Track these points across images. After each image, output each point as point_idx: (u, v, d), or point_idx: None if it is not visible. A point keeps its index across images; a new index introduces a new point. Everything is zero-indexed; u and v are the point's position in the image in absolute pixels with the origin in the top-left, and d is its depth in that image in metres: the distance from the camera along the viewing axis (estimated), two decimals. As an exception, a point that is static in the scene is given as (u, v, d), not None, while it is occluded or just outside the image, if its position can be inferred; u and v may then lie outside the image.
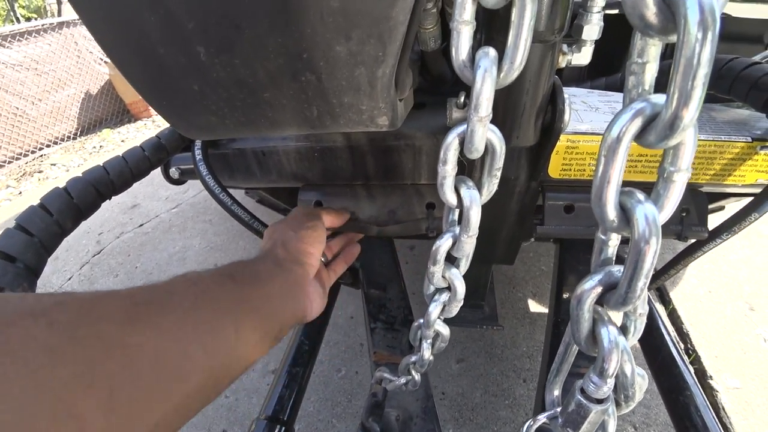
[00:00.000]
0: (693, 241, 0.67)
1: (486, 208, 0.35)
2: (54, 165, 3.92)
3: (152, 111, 4.85)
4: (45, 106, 4.33)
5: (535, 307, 1.39)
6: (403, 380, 0.58)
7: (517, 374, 1.18)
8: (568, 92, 0.65)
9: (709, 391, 1.07)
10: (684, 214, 0.61)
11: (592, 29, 0.40)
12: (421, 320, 0.44)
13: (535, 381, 1.16)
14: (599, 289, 0.25)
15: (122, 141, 4.26)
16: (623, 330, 0.26)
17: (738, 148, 0.53)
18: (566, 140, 0.54)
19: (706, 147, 0.53)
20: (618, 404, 0.28)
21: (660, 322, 0.76)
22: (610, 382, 0.25)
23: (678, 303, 1.33)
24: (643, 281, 0.22)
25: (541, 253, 1.61)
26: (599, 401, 0.26)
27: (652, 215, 0.21)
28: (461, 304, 0.39)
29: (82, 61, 4.67)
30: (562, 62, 0.44)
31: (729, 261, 1.56)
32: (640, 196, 0.22)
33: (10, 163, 3.97)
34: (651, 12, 0.18)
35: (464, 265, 0.37)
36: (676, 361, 0.70)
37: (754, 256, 1.61)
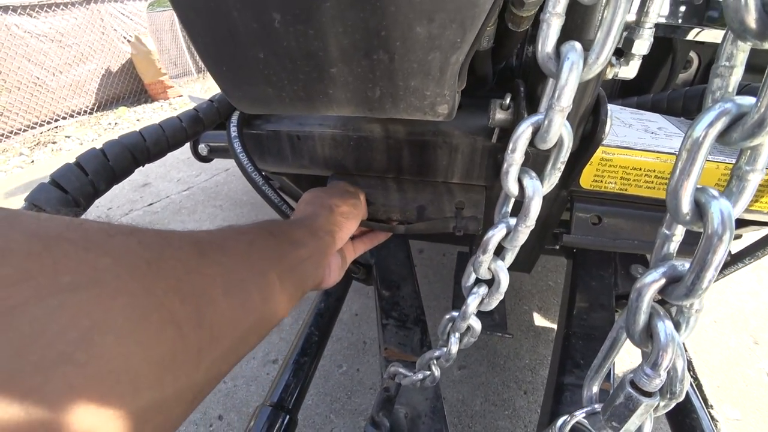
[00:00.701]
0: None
1: None
2: (68, 137, 3.95)
3: (169, 94, 4.90)
4: (65, 79, 4.37)
5: (540, 320, 1.39)
6: (420, 376, 0.59)
7: (518, 386, 1.18)
8: (613, 108, 0.66)
9: (712, 421, 1.07)
10: None
11: (643, 44, 0.41)
12: (455, 313, 0.45)
13: (536, 394, 1.16)
14: (662, 282, 0.25)
15: (138, 120, 4.29)
16: (676, 326, 0.27)
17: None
18: (602, 152, 0.55)
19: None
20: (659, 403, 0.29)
21: None
22: (663, 375, 0.26)
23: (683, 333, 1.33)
24: (712, 274, 0.22)
25: (550, 268, 1.61)
26: (649, 395, 0.26)
27: (727, 211, 0.22)
28: (502, 297, 0.40)
29: (106, 38, 4.71)
30: (609, 74, 0.45)
31: (736, 293, 1.56)
32: (715, 192, 0.23)
33: (25, 131, 4.00)
34: (752, 17, 0.19)
35: (510, 257, 0.37)
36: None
37: (762, 290, 1.61)
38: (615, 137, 0.56)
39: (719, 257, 0.22)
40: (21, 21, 3.98)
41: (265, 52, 0.36)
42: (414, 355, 0.77)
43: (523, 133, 0.31)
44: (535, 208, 0.32)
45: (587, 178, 0.56)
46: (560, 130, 0.30)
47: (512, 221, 0.35)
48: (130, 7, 5.00)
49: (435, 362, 0.54)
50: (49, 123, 4.21)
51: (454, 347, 0.48)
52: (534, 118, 0.30)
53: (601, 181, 0.56)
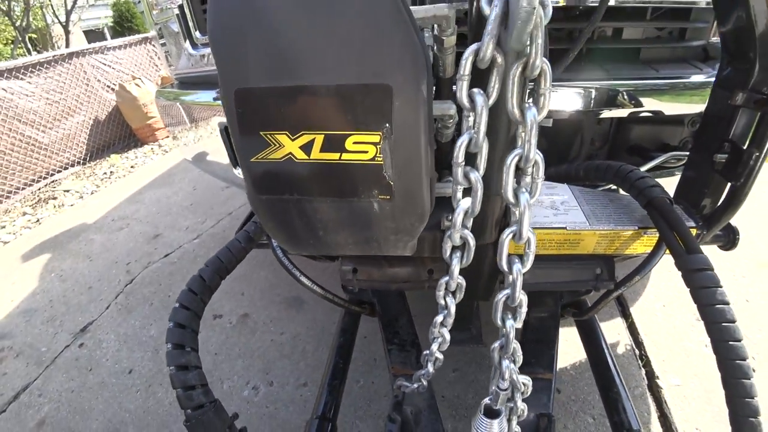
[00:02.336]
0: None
1: (470, 266, 0.61)
2: (67, 191, 4.13)
3: (158, 135, 5.09)
4: (55, 134, 4.55)
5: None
6: (415, 386, 0.84)
7: (505, 379, 1.45)
8: None
9: (656, 389, 1.34)
10: (598, 273, 0.87)
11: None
12: (427, 351, 0.70)
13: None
14: None
15: (132, 167, 4.48)
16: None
17: (630, 233, 0.79)
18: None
19: (613, 234, 0.80)
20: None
21: (602, 340, 1.03)
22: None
23: (636, 316, 1.60)
24: None
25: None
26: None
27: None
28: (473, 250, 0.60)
29: (91, 89, 4.90)
30: None
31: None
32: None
33: (23, 189, 4.17)
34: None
35: (478, 203, 0.53)
36: (610, 368, 0.96)
37: (705, 272, 1.89)
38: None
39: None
40: (9, 84, 4.16)
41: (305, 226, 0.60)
42: (413, 369, 1.03)
43: (469, 56, 0.43)
44: (485, 118, 0.47)
45: (511, 247, 0.82)
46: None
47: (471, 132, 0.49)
48: (111, 56, 5.19)
49: (422, 377, 0.80)
50: (45, 178, 4.39)
51: (431, 367, 0.73)
52: (475, 47, 0.45)
53: (521, 248, 0.82)
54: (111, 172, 4.45)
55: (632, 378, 1.37)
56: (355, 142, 0.47)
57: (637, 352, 1.47)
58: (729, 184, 0.79)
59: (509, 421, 0.69)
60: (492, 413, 0.66)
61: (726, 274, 1.89)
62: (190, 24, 1.40)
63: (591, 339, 1.06)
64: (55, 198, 4.05)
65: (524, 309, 0.60)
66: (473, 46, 0.43)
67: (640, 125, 1.14)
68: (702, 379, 1.38)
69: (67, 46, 7.96)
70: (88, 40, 11.50)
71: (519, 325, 0.60)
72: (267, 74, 0.45)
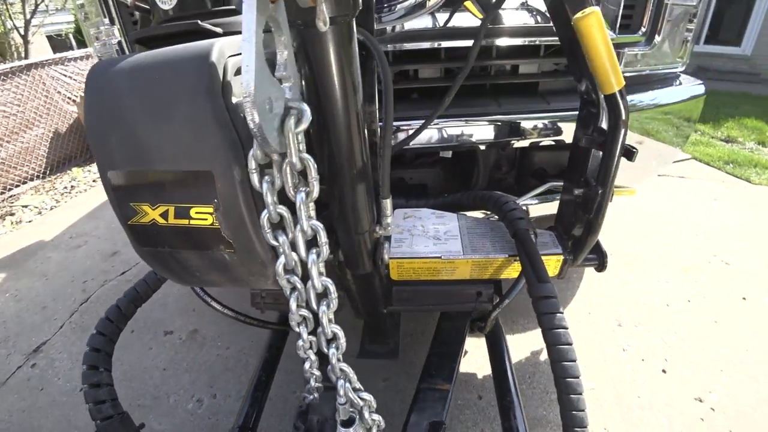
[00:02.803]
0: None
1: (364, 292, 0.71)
2: (26, 207, 4.06)
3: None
4: (13, 147, 4.46)
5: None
6: (311, 397, 0.92)
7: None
8: (418, 214, 1.01)
9: (572, 393, 1.45)
10: (479, 294, 0.97)
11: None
12: (307, 365, 0.77)
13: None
14: None
15: (94, 181, 4.43)
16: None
17: (501, 260, 0.90)
18: (396, 263, 0.91)
19: (485, 261, 0.90)
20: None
21: (505, 353, 1.12)
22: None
23: (561, 324, 1.72)
24: None
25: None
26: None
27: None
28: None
29: (50, 101, 4.82)
30: (377, 235, 0.80)
31: (611, 286, 1.97)
32: None
33: (-22, 205, 4.08)
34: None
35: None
36: (507, 377, 1.06)
37: (634, 279, 2.04)
38: (408, 249, 0.92)
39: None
40: (-37, 98, 4.07)
41: None
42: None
43: None
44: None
45: (395, 274, 0.92)
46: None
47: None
48: (72, 68, 5.12)
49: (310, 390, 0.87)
50: (2, 194, 4.30)
51: (312, 382, 0.82)
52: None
53: (404, 275, 0.92)
54: (72, 186, 4.39)
55: (551, 384, 1.48)
56: (197, 212, 0.58)
57: (559, 358, 1.58)
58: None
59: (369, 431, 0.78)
60: (347, 423, 0.75)
61: (652, 279, 2.04)
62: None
63: (495, 352, 1.15)
64: (12, 214, 3.97)
65: (342, 342, 0.69)
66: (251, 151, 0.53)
67: (540, 152, 1.24)
68: (615, 383, 1.50)
69: (26, 56, 7.77)
70: (51, 45, 11.20)
71: (339, 353, 0.68)
72: (127, 160, 0.56)
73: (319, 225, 0.58)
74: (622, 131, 0.77)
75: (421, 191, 1.28)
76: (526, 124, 1.13)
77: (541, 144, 1.17)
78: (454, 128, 1.12)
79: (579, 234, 0.95)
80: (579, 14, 0.69)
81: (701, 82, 1.63)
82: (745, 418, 1.42)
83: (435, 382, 1.04)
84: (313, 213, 0.58)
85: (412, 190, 1.27)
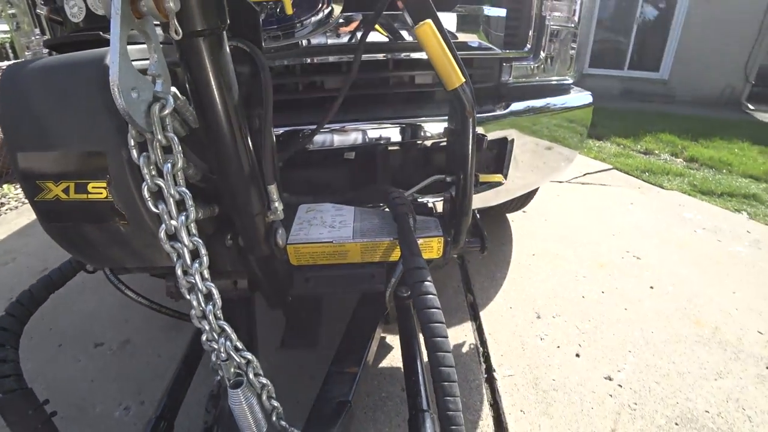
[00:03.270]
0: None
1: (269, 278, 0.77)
2: (-52, 239, 3.79)
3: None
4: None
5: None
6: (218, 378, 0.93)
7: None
8: (320, 207, 1.09)
9: (491, 380, 1.53)
10: (372, 276, 1.05)
11: None
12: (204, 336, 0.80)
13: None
14: None
15: (25, 198, 4.21)
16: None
17: (387, 242, 0.98)
18: (293, 248, 0.98)
19: (373, 245, 0.99)
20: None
21: (415, 339, 1.18)
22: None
23: (485, 319, 1.81)
24: None
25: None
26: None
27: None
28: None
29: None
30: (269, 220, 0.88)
31: (532, 283, 2.10)
32: None
33: None
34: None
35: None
36: (416, 360, 1.12)
37: (553, 276, 2.18)
38: (304, 236, 1.00)
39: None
40: None
41: None
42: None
43: None
44: None
45: (294, 259, 0.98)
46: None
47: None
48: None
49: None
50: None
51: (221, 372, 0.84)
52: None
53: (302, 260, 0.98)
54: (1, 203, 4.17)
55: (471, 373, 1.55)
56: (93, 187, 0.68)
57: (480, 350, 1.66)
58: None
59: (259, 396, 0.81)
60: (235, 384, 0.79)
61: (570, 275, 2.19)
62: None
63: (405, 337, 1.21)
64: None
65: (217, 299, 0.73)
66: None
67: (434, 151, 1.36)
68: (532, 368, 1.59)
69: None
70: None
71: (216, 309, 0.72)
72: (34, 144, 0.67)
73: (185, 191, 0.65)
74: (470, 121, 0.90)
75: (327, 189, 1.36)
76: (419, 127, 1.25)
77: (433, 144, 1.28)
78: (354, 132, 1.21)
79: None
80: (417, 25, 0.83)
81: (590, 93, 1.83)
82: (649, 391, 1.54)
83: (344, 365, 1.09)
84: (181, 182, 0.66)
85: (320, 188, 1.35)
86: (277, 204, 0.88)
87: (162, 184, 0.64)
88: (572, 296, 2.03)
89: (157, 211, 0.65)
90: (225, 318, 1.19)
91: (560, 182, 3.59)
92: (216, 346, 0.76)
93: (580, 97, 1.78)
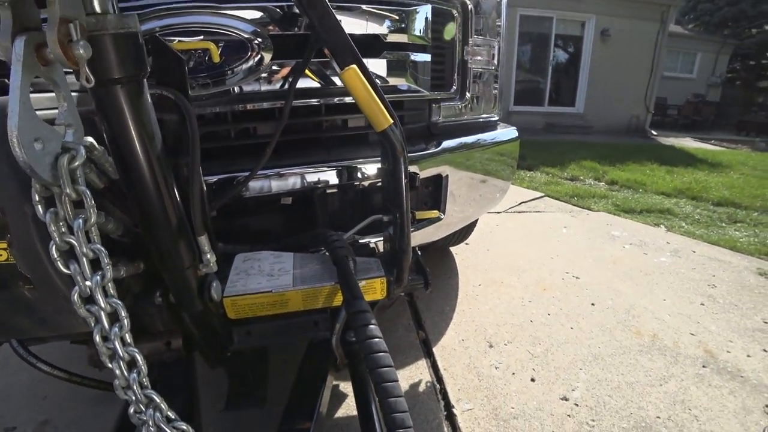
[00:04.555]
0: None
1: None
2: None
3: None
4: None
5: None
6: None
7: None
8: (258, 256, 1.05)
9: (451, 417, 1.49)
10: (316, 323, 1.02)
11: None
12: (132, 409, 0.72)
13: None
14: None
15: None
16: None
17: (329, 288, 0.97)
18: (230, 301, 0.93)
19: (315, 291, 0.97)
20: None
21: (369, 390, 1.13)
22: None
23: (438, 354, 1.80)
24: None
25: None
26: None
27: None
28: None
29: None
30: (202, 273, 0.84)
31: (480, 312, 2.13)
32: None
33: None
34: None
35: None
36: (372, 417, 1.07)
37: (500, 304, 2.22)
38: (242, 288, 0.95)
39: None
40: None
41: None
42: None
43: None
44: None
45: (232, 313, 0.93)
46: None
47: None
48: None
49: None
50: None
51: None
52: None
53: (241, 312, 0.94)
54: None
55: (431, 411, 1.51)
56: None
57: (437, 386, 1.63)
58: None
59: None
60: None
61: (516, 301, 2.25)
62: None
63: (358, 384, 1.16)
64: None
65: (142, 365, 0.67)
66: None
67: (372, 192, 1.38)
68: (490, 399, 1.58)
69: None
70: None
71: (142, 378, 0.66)
72: None
73: (101, 248, 0.60)
74: (401, 160, 0.92)
75: (265, 236, 1.32)
76: (355, 169, 1.27)
77: (370, 185, 1.30)
78: (289, 177, 1.20)
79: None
80: (342, 71, 0.86)
81: (515, 128, 1.97)
82: (605, 406, 1.57)
83: (294, 423, 1.02)
84: (96, 238, 0.60)
85: (258, 236, 1.31)
86: (209, 256, 0.83)
87: (73, 242, 0.58)
88: (521, 321, 2.07)
89: (68, 272, 0.59)
90: (162, 383, 1.09)
91: (498, 212, 3.75)
92: (144, 418, 0.69)
93: (507, 132, 1.90)
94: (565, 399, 1.60)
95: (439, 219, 1.49)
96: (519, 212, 3.83)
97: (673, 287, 2.50)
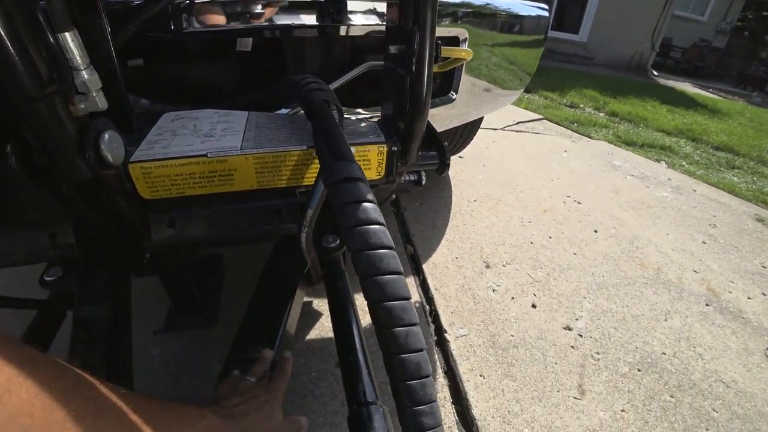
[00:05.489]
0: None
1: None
2: None
3: None
4: None
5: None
6: None
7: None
8: (195, 114, 0.69)
9: (443, 343, 1.27)
10: (278, 213, 0.69)
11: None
12: None
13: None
14: None
15: None
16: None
17: (299, 153, 0.62)
18: (139, 167, 0.57)
19: (275, 158, 0.61)
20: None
21: (351, 306, 0.84)
22: None
23: (429, 272, 1.54)
24: None
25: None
26: None
27: None
28: None
29: None
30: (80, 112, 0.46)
31: (476, 230, 1.87)
32: None
33: None
34: None
35: None
36: (353, 335, 0.78)
37: (497, 222, 1.97)
38: (160, 150, 0.59)
39: None
40: None
41: None
42: (95, 370, 0.73)
43: None
44: None
45: (143, 188, 0.58)
46: None
47: None
48: None
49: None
50: None
51: None
52: None
53: (158, 189, 0.59)
54: None
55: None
56: None
57: (427, 308, 1.40)
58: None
59: None
60: None
61: (515, 220, 2.00)
62: None
63: (336, 303, 0.86)
64: None
65: None
66: None
67: (365, 37, 0.97)
68: (487, 325, 1.36)
69: None
70: None
71: None
72: None
73: None
74: None
75: (210, 94, 0.93)
76: (345, 4, 0.86)
77: (364, 26, 0.90)
78: (248, 5, 0.79)
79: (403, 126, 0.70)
80: None
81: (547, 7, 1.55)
82: (610, 338, 1.40)
83: (251, 348, 0.73)
84: None
85: (203, 92, 0.93)
86: (85, 74, 0.45)
87: None
88: (520, 242, 1.83)
89: None
90: (78, 295, 0.74)
91: (494, 129, 3.41)
92: None
93: (536, 8, 1.49)
94: (569, 329, 1.40)
95: (465, 60, 1.06)
96: (517, 131, 3.50)
97: (675, 222, 2.32)
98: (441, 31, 1.04)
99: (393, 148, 0.68)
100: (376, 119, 0.81)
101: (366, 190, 0.46)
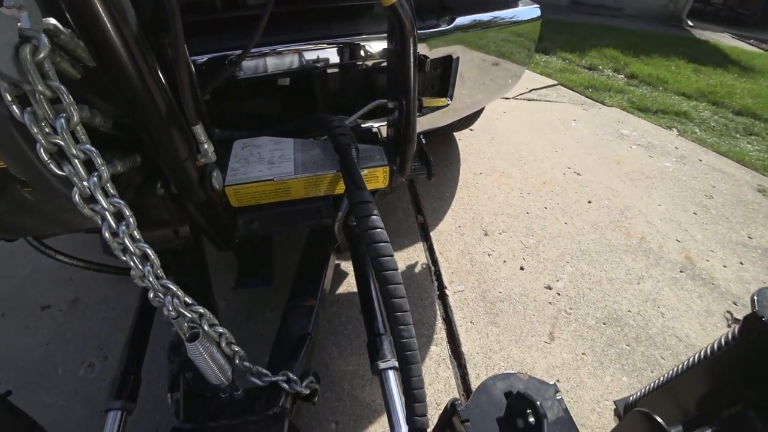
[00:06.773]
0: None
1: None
2: None
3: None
4: None
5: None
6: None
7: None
8: (257, 142, 0.98)
9: (443, 297, 1.59)
10: (318, 211, 1.00)
11: None
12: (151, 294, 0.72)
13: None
14: None
15: None
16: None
17: (331, 176, 0.92)
18: (233, 190, 0.89)
19: (317, 179, 0.92)
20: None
21: (368, 267, 1.16)
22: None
23: (435, 238, 1.85)
24: None
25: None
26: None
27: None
28: None
29: None
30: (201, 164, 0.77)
31: (479, 201, 2.14)
32: None
33: None
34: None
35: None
36: (369, 287, 1.11)
37: (499, 194, 2.22)
38: (243, 176, 0.90)
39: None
40: None
41: None
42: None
43: None
44: None
45: (234, 201, 0.90)
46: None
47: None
48: None
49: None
50: None
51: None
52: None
53: (243, 201, 0.90)
54: None
55: (425, 291, 1.60)
56: None
57: (432, 269, 1.71)
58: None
59: (218, 344, 0.77)
60: (191, 338, 0.74)
61: (515, 192, 2.25)
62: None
63: (358, 265, 1.19)
64: None
65: (154, 259, 0.64)
66: None
67: (377, 73, 1.25)
68: (480, 283, 1.66)
69: None
70: None
71: (156, 270, 0.65)
72: None
73: (91, 149, 0.53)
74: (410, 41, 0.80)
75: (261, 121, 1.23)
76: (359, 46, 1.13)
77: (374, 65, 1.17)
78: (286, 54, 1.08)
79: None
80: None
81: (538, 6, 1.71)
82: (583, 297, 1.68)
83: (301, 299, 1.06)
84: (84, 137, 0.54)
85: (255, 121, 1.22)
86: (206, 146, 0.76)
87: (61, 143, 0.51)
88: (517, 213, 2.10)
89: (62, 173, 0.53)
90: (175, 268, 1.10)
91: (506, 99, 3.56)
92: (164, 302, 0.69)
93: (528, 11, 1.66)
94: (549, 288, 1.70)
95: (445, 106, 1.38)
96: (529, 100, 3.64)
97: (671, 193, 2.50)
98: (436, 53, 1.28)
99: (393, 167, 0.97)
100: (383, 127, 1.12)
101: (372, 207, 0.77)
